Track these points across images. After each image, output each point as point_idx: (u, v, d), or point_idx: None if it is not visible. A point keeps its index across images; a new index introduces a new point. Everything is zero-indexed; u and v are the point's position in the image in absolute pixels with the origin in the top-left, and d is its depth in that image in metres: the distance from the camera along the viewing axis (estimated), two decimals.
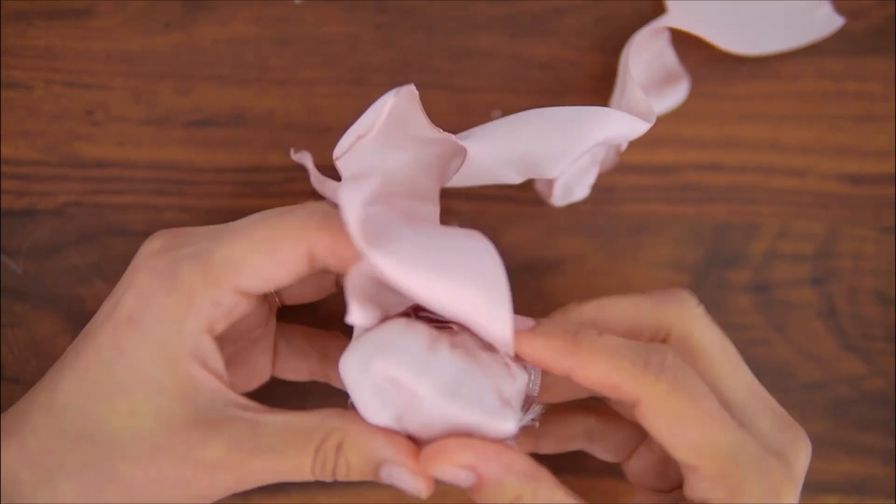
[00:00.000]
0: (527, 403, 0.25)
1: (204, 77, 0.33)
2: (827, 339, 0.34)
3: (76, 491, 0.22)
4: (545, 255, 0.34)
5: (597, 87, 0.35)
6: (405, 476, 0.23)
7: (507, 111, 0.34)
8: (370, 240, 0.21)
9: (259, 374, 0.29)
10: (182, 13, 0.33)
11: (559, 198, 0.31)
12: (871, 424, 0.34)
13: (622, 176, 0.34)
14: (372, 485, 0.32)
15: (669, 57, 0.34)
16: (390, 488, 0.30)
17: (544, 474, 0.23)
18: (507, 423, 0.23)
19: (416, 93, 0.23)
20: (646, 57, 0.32)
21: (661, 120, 0.35)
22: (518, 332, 0.23)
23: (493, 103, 0.34)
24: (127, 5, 0.33)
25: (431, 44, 0.34)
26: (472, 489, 0.23)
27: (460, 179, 0.26)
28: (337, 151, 0.24)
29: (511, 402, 0.23)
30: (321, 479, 0.23)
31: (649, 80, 0.34)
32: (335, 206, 0.24)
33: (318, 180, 0.26)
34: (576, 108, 0.25)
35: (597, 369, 0.23)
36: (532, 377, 0.25)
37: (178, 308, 0.23)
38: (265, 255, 0.23)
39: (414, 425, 0.23)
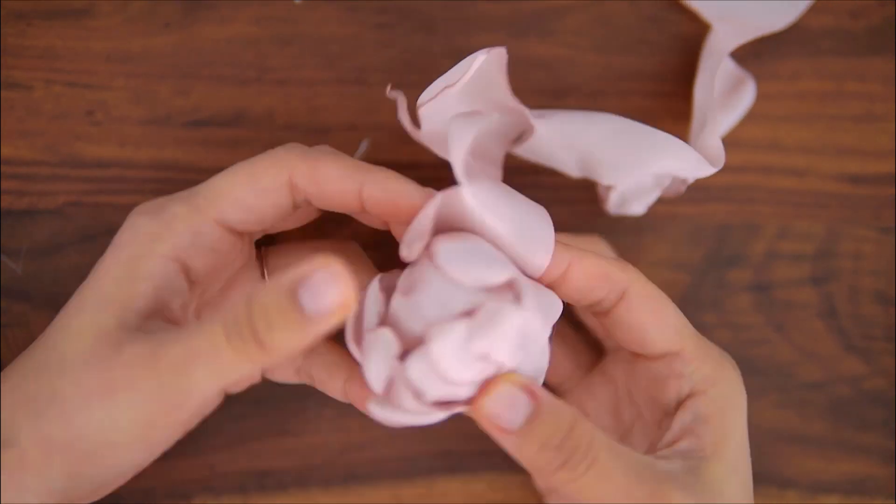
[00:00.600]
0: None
1: (204, 77, 0.33)
2: (827, 339, 0.34)
3: (28, 420, 0.22)
4: None
5: (597, 87, 0.35)
6: (328, 286, 0.19)
7: None
8: (467, 174, 0.23)
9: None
10: (182, 13, 0.33)
11: (614, 206, 0.31)
12: (871, 424, 0.34)
13: None
14: (372, 485, 0.32)
15: (728, 64, 0.34)
16: (390, 488, 0.31)
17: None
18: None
19: (506, 56, 0.25)
20: (708, 74, 0.32)
21: (661, 120, 0.35)
22: None
23: None
24: (127, 5, 0.33)
25: (431, 44, 0.34)
26: (528, 422, 0.21)
27: (524, 151, 0.27)
28: (422, 98, 0.25)
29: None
30: (244, 351, 0.20)
31: (719, 96, 0.34)
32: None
33: (407, 122, 0.25)
34: (651, 129, 0.26)
35: (590, 262, 0.25)
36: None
37: (154, 231, 0.24)
38: (247, 185, 0.24)
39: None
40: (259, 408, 0.32)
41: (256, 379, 0.29)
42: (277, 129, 0.33)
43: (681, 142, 0.25)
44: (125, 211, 0.26)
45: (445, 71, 0.25)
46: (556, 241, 0.25)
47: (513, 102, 0.25)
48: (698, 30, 0.35)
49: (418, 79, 0.34)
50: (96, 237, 0.32)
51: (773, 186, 0.35)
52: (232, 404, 0.31)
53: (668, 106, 0.35)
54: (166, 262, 0.24)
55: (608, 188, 0.31)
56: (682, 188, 0.30)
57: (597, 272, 0.25)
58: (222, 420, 0.31)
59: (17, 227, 0.32)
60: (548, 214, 0.25)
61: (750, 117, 0.35)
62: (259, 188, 0.24)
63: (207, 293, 0.27)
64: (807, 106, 0.35)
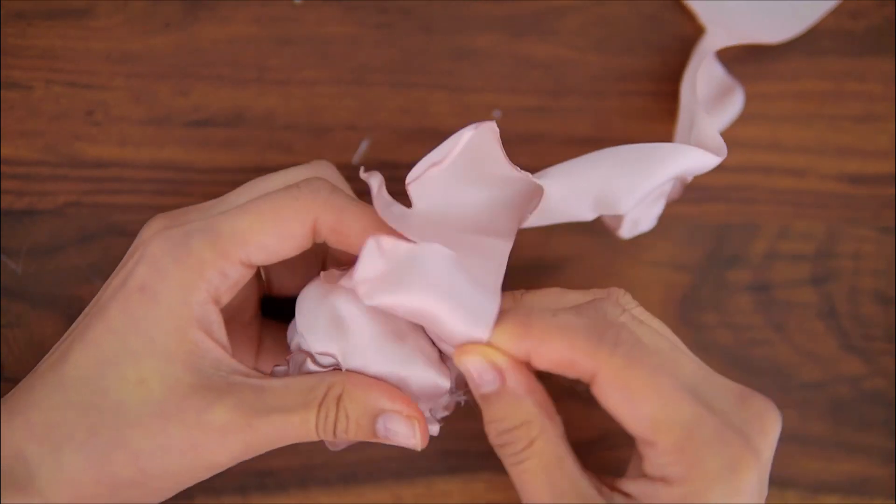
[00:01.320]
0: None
1: (204, 77, 0.33)
2: (827, 339, 0.34)
3: (84, 462, 0.22)
4: (546, 255, 0.34)
5: (597, 87, 0.35)
6: (400, 425, 0.24)
7: (507, 111, 0.34)
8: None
9: (244, 361, 0.29)
10: (182, 13, 0.33)
11: (627, 231, 0.31)
12: (871, 424, 0.34)
13: None
14: (372, 485, 0.32)
15: (718, 71, 0.34)
16: (390, 488, 0.30)
17: (559, 422, 0.24)
18: (445, 380, 0.24)
19: (497, 130, 0.24)
20: (695, 74, 0.32)
21: (661, 120, 0.35)
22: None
23: (493, 103, 0.34)
24: (127, 5, 0.33)
25: (431, 44, 0.34)
26: (489, 396, 0.23)
27: (534, 219, 0.26)
28: (410, 177, 0.24)
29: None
30: (324, 437, 0.24)
31: (706, 99, 0.34)
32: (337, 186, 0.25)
33: (384, 203, 0.25)
34: (650, 144, 0.25)
35: (552, 348, 0.23)
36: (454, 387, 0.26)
37: (188, 278, 0.23)
38: (272, 230, 0.24)
39: (355, 364, 0.24)
40: None
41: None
42: (277, 129, 0.33)
43: (683, 145, 0.25)
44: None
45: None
46: (518, 324, 0.23)
47: (513, 172, 0.25)
48: (698, 30, 0.35)
49: (418, 79, 0.34)
50: (96, 237, 0.32)
51: (773, 186, 0.35)
52: None
53: (668, 106, 0.35)
54: (206, 307, 0.24)
55: (616, 218, 0.30)
56: (682, 189, 0.30)
57: (560, 360, 0.23)
58: None
59: (17, 227, 0.31)
60: (498, 298, 0.24)
61: (750, 117, 0.35)
62: (283, 234, 0.24)
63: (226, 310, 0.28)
64: (807, 106, 0.35)
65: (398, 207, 0.25)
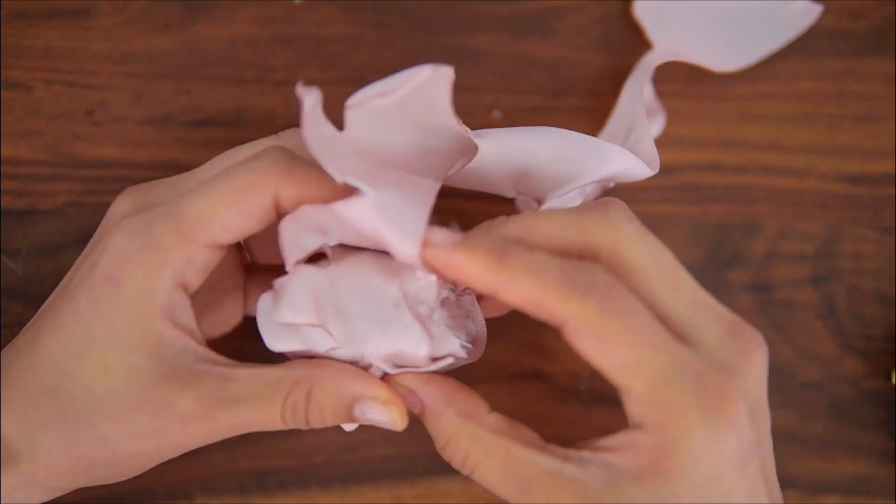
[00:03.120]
0: (473, 342, 0.25)
1: (204, 77, 0.33)
2: (827, 339, 0.34)
3: (57, 443, 0.23)
4: None
5: (597, 87, 0.35)
6: (378, 409, 0.24)
7: (506, 111, 0.34)
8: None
9: (230, 319, 0.29)
10: (182, 13, 0.33)
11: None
12: (871, 424, 0.34)
13: None
14: (372, 484, 0.32)
15: (648, 92, 0.34)
16: (390, 488, 0.30)
17: (486, 417, 0.23)
18: (423, 346, 0.24)
19: (452, 76, 0.22)
20: (637, 85, 0.32)
21: None
22: (441, 246, 0.22)
23: (492, 103, 0.34)
24: (127, 5, 0.33)
25: (431, 44, 0.34)
26: (422, 417, 0.24)
27: (456, 179, 0.26)
28: (352, 100, 0.23)
29: (431, 318, 0.24)
30: (294, 426, 0.24)
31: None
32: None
33: (315, 122, 0.23)
34: (591, 139, 0.25)
35: (522, 288, 0.22)
36: (471, 309, 0.25)
37: (152, 266, 0.23)
38: (233, 209, 0.23)
39: (336, 331, 0.24)
40: None
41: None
42: (277, 129, 0.33)
43: (622, 149, 0.25)
44: None
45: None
46: (490, 256, 0.22)
47: (455, 125, 0.24)
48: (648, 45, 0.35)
49: None
50: None
51: (773, 186, 0.35)
52: None
53: (669, 106, 0.35)
54: (171, 294, 0.24)
55: (527, 202, 0.29)
56: (600, 192, 0.30)
57: (529, 301, 0.22)
58: None
59: (17, 227, 0.31)
60: (426, 196, 0.23)
61: (750, 117, 0.35)
62: (244, 211, 0.24)
63: (205, 297, 0.28)
64: (807, 106, 0.35)
65: (329, 129, 0.23)
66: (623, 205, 0.24)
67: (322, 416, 0.24)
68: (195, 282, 0.25)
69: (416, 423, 0.25)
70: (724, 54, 0.35)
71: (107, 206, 0.32)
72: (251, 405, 0.23)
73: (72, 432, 0.23)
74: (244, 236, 0.25)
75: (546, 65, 0.35)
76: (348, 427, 0.26)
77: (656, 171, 0.26)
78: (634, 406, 0.22)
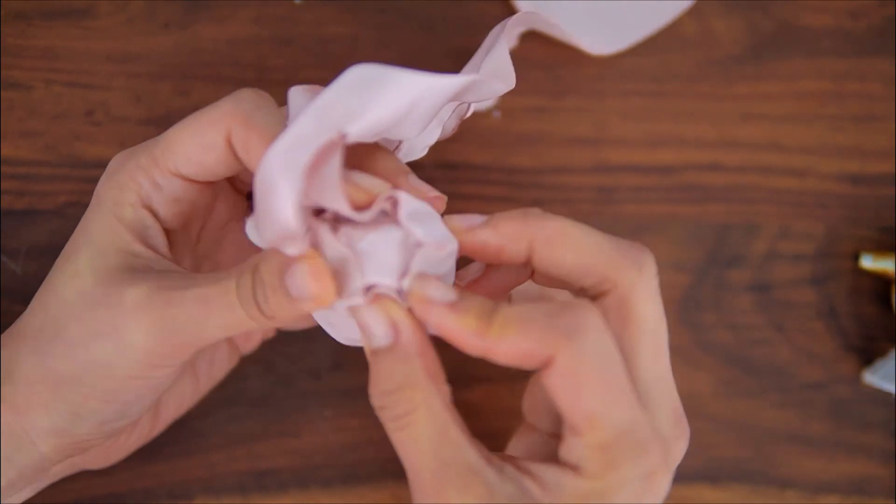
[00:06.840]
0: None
1: (204, 77, 0.33)
2: (827, 339, 0.34)
3: (32, 357, 0.24)
4: None
5: (597, 87, 0.35)
6: (303, 275, 0.22)
7: (506, 111, 0.34)
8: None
9: (236, 258, 0.30)
10: (182, 13, 0.33)
11: (403, 156, 0.28)
12: (871, 424, 0.34)
13: (622, 176, 0.34)
14: (372, 484, 0.32)
15: (503, 51, 0.33)
16: (390, 488, 0.30)
17: (447, 392, 0.23)
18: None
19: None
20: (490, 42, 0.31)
21: (661, 120, 0.35)
22: (434, 304, 0.22)
23: (492, 103, 0.34)
24: (127, 5, 0.33)
25: (431, 44, 0.34)
26: (378, 352, 0.23)
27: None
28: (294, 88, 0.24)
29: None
30: (249, 310, 0.23)
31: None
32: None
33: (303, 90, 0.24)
34: (441, 78, 0.25)
35: (510, 343, 0.22)
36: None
37: (123, 180, 0.25)
38: (191, 139, 0.25)
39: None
40: (259, 408, 0.32)
41: (270, 334, 0.31)
42: None
43: (471, 73, 0.25)
44: None
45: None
46: (478, 316, 0.22)
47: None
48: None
49: None
50: None
51: (773, 186, 0.35)
52: (232, 404, 0.31)
53: (669, 106, 0.35)
54: (137, 209, 0.25)
55: (392, 141, 0.28)
56: (457, 124, 0.29)
57: (519, 354, 0.22)
58: (222, 420, 0.31)
59: (17, 227, 0.31)
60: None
61: (750, 117, 0.35)
62: (203, 144, 0.25)
63: (200, 246, 0.28)
64: (807, 106, 0.35)
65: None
66: (653, 258, 0.24)
67: (265, 293, 0.23)
68: (164, 210, 0.25)
69: None
70: (600, 37, 0.35)
71: None
72: (208, 284, 0.23)
73: (44, 342, 0.24)
74: (209, 174, 0.25)
75: (546, 65, 0.35)
76: (299, 325, 0.26)
77: (512, 85, 0.26)
78: (578, 449, 0.22)
